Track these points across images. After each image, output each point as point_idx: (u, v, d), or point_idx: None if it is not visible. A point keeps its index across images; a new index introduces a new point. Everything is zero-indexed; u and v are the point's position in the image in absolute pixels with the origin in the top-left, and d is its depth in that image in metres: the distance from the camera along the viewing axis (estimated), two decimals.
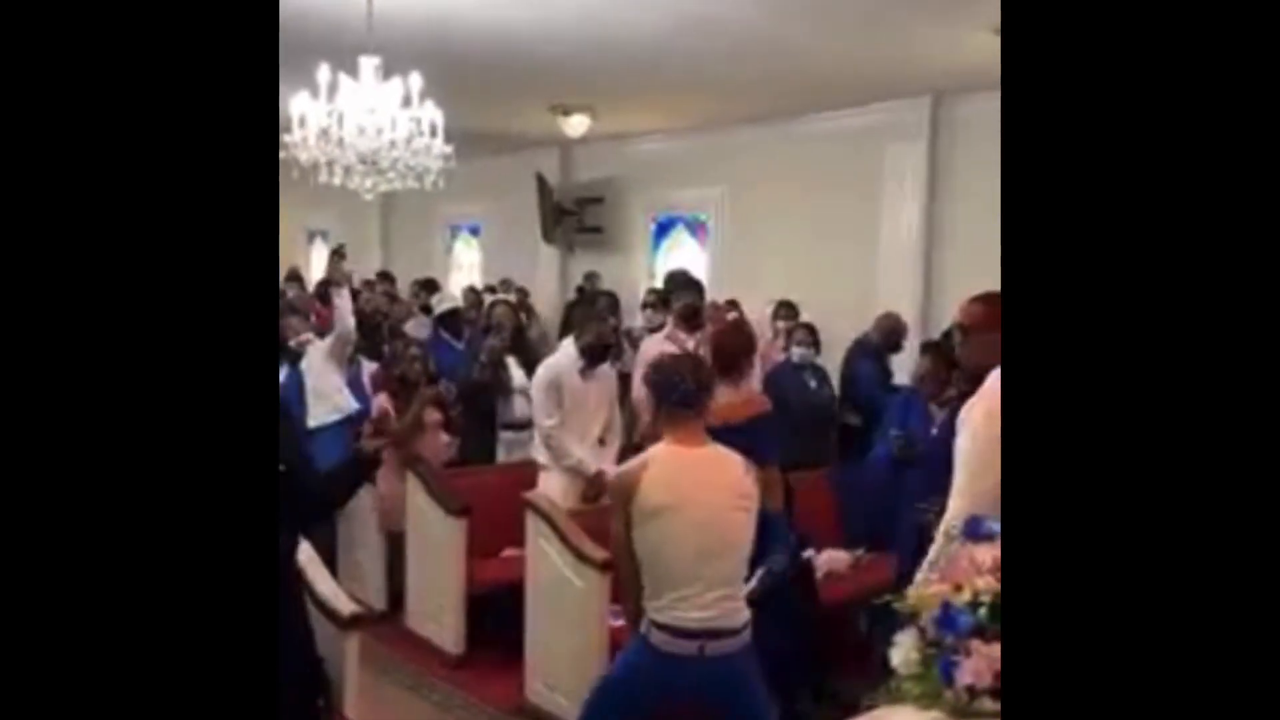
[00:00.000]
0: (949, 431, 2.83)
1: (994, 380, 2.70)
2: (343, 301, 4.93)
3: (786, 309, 6.59)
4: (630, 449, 4.75)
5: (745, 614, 2.66)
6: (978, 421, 2.61)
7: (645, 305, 6.43)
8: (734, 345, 3.67)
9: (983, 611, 1.53)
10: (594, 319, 4.73)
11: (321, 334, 5.24)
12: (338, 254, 4.86)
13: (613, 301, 6.92)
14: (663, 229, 9.73)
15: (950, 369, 4.20)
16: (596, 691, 2.82)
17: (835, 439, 5.64)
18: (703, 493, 2.62)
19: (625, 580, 2.76)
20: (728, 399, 3.41)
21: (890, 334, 6.00)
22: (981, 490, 2.58)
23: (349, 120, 4.56)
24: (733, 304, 6.73)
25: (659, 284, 7.30)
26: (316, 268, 11.92)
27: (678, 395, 2.67)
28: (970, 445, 2.61)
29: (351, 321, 5.02)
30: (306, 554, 2.84)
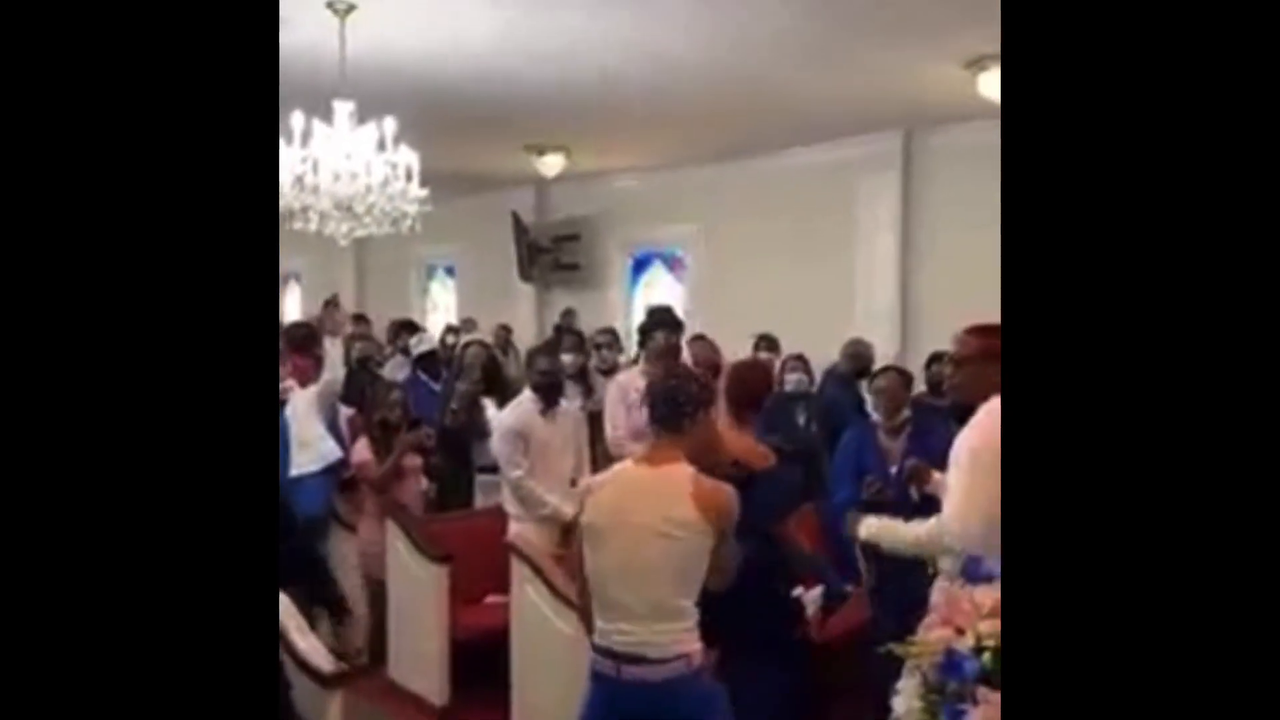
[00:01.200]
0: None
1: (985, 413, 2.72)
2: (334, 350, 4.87)
3: (767, 342, 6.58)
4: None
5: (680, 646, 2.46)
6: (972, 452, 2.64)
7: (598, 345, 6.38)
8: (752, 386, 3.56)
9: (987, 657, 1.50)
10: (540, 354, 4.69)
11: (302, 383, 5.16)
12: (331, 303, 4.81)
13: (577, 338, 6.87)
14: (640, 265, 9.75)
15: (907, 391, 4.22)
16: None
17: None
18: (635, 515, 2.47)
19: (581, 599, 2.70)
20: (736, 444, 3.32)
21: (856, 359, 5.97)
22: (972, 521, 2.61)
23: (324, 166, 4.53)
24: (700, 338, 6.70)
25: (637, 320, 7.28)
26: (290, 311, 11.83)
27: (664, 409, 2.55)
28: (965, 478, 2.63)
29: (341, 372, 4.96)
30: (285, 609, 2.76)
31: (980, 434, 2.72)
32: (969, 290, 6.75)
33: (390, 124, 4.63)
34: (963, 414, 2.92)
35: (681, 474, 2.49)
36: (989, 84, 5.37)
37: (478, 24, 4.85)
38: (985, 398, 2.77)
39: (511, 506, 4.39)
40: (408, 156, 4.70)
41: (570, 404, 4.76)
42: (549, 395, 4.39)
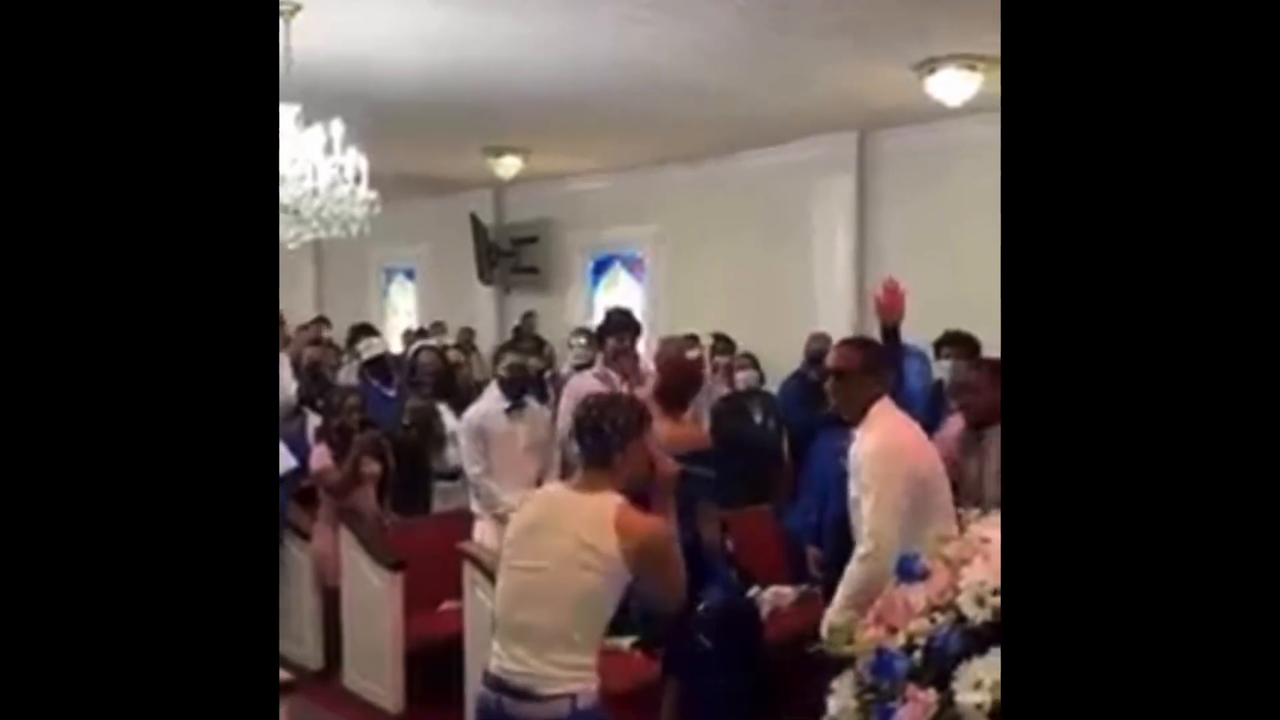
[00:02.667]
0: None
1: (874, 421, 2.84)
2: (284, 371, 4.82)
3: (723, 342, 6.60)
4: None
5: (569, 685, 2.23)
6: (871, 462, 2.75)
7: (570, 345, 6.41)
8: (681, 380, 3.64)
9: (917, 656, 1.51)
10: (507, 351, 4.70)
11: None
12: (303, 326, 4.77)
13: (537, 342, 6.85)
14: (600, 267, 9.74)
15: None
16: None
17: (787, 471, 5.54)
18: (548, 537, 2.29)
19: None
20: (667, 432, 3.37)
21: (815, 353, 6.00)
22: (894, 525, 2.69)
23: None
24: (693, 339, 6.71)
25: (598, 322, 7.27)
26: None
27: (589, 437, 2.38)
28: (875, 490, 2.73)
29: (292, 389, 4.94)
30: None
31: (875, 444, 2.80)
32: (924, 288, 6.85)
33: (337, 126, 4.58)
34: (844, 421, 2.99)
35: (607, 501, 2.28)
36: (937, 86, 5.44)
37: (429, 26, 4.81)
38: (866, 408, 2.87)
39: (474, 504, 4.39)
40: (356, 159, 4.66)
41: (537, 404, 4.75)
42: (514, 392, 4.39)
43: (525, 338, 7.76)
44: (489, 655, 2.35)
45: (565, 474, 4.69)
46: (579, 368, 5.93)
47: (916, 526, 2.65)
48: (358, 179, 4.67)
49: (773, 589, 4.22)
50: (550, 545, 2.28)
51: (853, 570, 2.79)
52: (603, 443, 2.34)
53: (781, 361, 6.49)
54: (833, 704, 1.59)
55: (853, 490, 2.89)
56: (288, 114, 4.48)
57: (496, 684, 2.27)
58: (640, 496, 2.41)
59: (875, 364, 3.01)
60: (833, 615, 2.78)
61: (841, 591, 2.79)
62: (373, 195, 4.73)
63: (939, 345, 4.71)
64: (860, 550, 2.78)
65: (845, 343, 3.19)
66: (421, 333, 8.88)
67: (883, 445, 2.82)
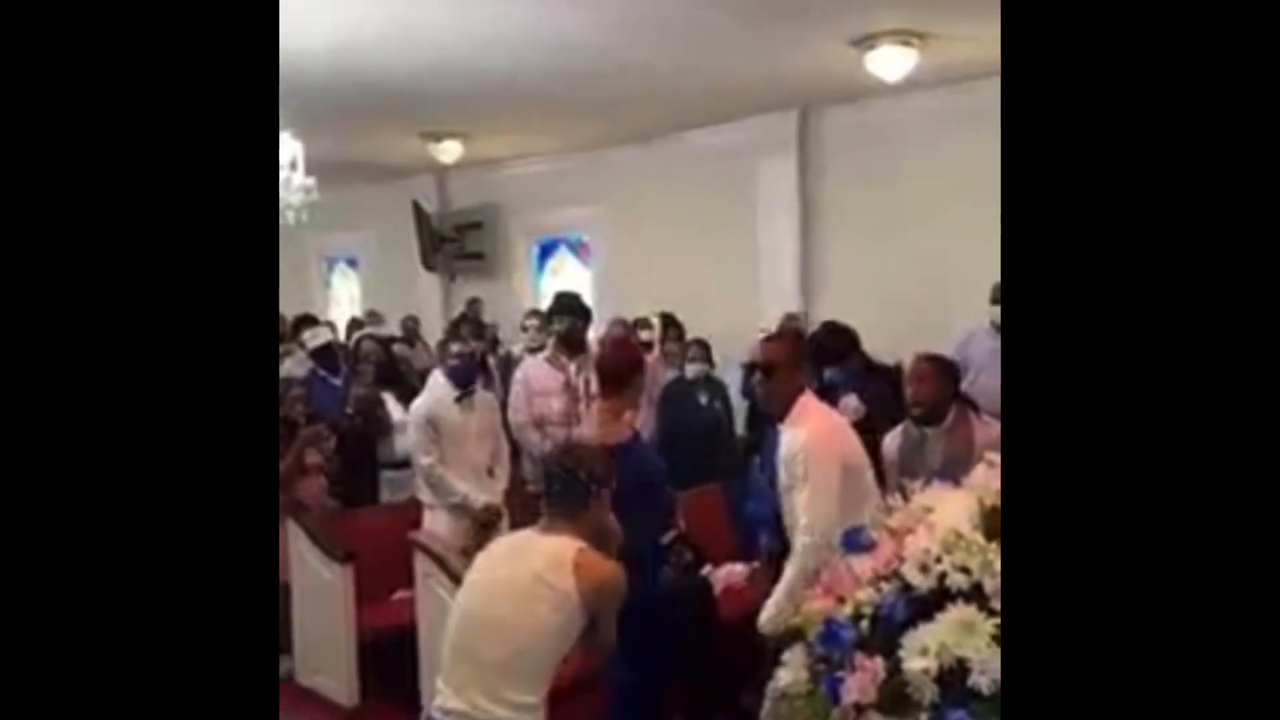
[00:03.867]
0: None
1: (804, 414, 2.90)
2: None
3: (672, 325, 6.60)
4: (520, 483, 4.66)
5: None
6: (807, 454, 2.80)
7: (524, 328, 6.38)
8: (619, 363, 3.61)
9: (864, 624, 1.53)
10: (454, 340, 4.65)
11: None
12: None
13: (477, 325, 6.79)
14: (545, 251, 9.68)
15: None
16: None
17: (738, 452, 5.58)
18: (505, 569, 2.28)
19: None
20: (596, 427, 3.36)
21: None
22: (831, 513, 2.74)
23: None
24: (645, 321, 6.70)
25: (545, 307, 7.24)
26: None
27: (559, 485, 2.38)
28: (812, 479, 2.79)
29: None
30: None
31: (809, 435, 2.86)
32: (870, 264, 6.95)
33: None
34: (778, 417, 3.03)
35: (569, 544, 2.28)
36: (877, 62, 5.47)
37: (365, 8, 4.72)
38: (793, 401, 2.92)
39: (424, 495, 4.34)
40: (291, 145, 4.56)
41: (485, 391, 4.71)
42: (463, 380, 4.35)
43: (464, 323, 7.69)
44: (433, 694, 2.28)
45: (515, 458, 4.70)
46: (532, 350, 5.90)
47: (847, 511, 2.71)
48: (294, 165, 4.58)
49: (725, 567, 4.25)
50: (507, 574, 2.27)
51: (795, 560, 2.83)
52: (573, 491, 2.35)
53: (726, 341, 6.51)
54: (783, 675, 1.61)
55: (784, 480, 2.92)
56: None
57: None
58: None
59: (800, 358, 3.05)
60: (773, 606, 2.81)
61: (786, 580, 2.83)
62: (310, 182, 4.65)
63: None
64: (802, 540, 2.82)
65: (771, 338, 3.22)
66: (359, 323, 8.76)
67: (815, 435, 2.88)
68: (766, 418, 3.49)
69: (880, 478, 3.15)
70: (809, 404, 2.98)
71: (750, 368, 4.40)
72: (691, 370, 5.61)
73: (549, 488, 2.40)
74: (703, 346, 5.82)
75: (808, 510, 2.80)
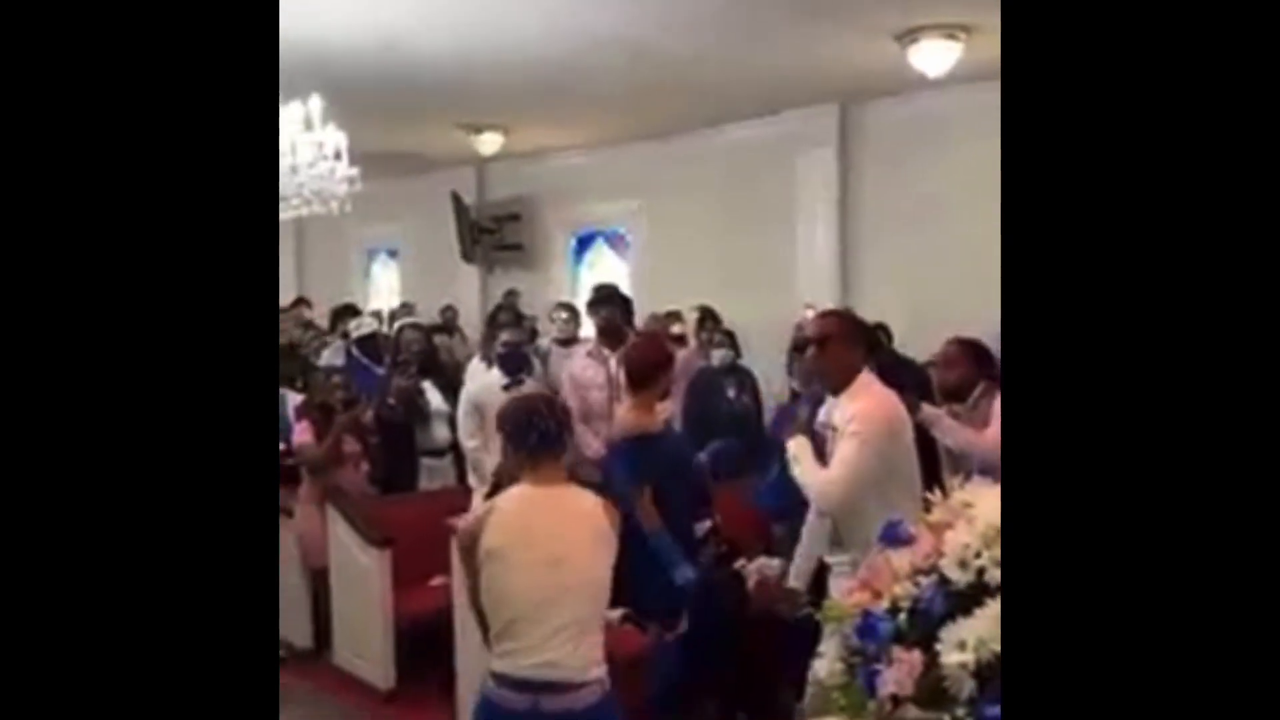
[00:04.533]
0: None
1: (865, 389, 2.88)
2: None
3: (709, 317, 6.60)
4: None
5: (596, 668, 2.36)
6: (854, 417, 2.80)
7: (551, 319, 6.42)
8: (646, 359, 3.62)
9: (902, 618, 1.53)
10: (497, 328, 4.71)
11: None
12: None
13: (515, 316, 6.85)
14: (583, 244, 9.71)
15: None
16: None
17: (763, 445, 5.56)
18: (552, 528, 2.39)
19: (484, 635, 2.52)
20: (622, 415, 3.40)
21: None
22: (847, 487, 2.77)
23: None
24: (677, 315, 6.71)
25: (582, 299, 7.27)
26: None
27: (536, 436, 2.45)
28: (850, 448, 2.78)
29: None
30: None
31: (860, 408, 2.84)
32: (907, 259, 6.90)
33: (316, 103, 4.54)
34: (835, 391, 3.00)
35: (579, 491, 2.50)
36: (919, 56, 5.43)
37: (411, 4, 4.77)
38: (849, 375, 2.90)
39: (471, 478, 4.42)
40: (335, 136, 4.62)
41: (536, 381, 4.76)
42: (512, 368, 4.41)
43: (501, 312, 7.75)
44: (498, 657, 2.37)
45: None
46: (562, 342, 5.93)
47: (879, 496, 2.71)
48: (337, 156, 4.64)
49: (759, 561, 4.25)
50: (556, 534, 2.39)
51: (818, 475, 2.85)
52: (554, 436, 2.47)
53: (762, 335, 6.50)
54: (819, 667, 1.61)
55: (830, 448, 2.91)
56: None
57: (523, 684, 2.30)
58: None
59: (855, 333, 3.03)
60: (799, 559, 2.98)
61: (811, 466, 2.87)
62: (353, 172, 4.70)
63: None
64: (822, 486, 2.84)
65: (825, 313, 3.23)
66: (392, 314, 8.85)
67: (867, 409, 2.84)
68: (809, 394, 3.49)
69: (933, 471, 3.11)
70: (872, 382, 2.95)
71: (800, 345, 4.42)
72: (717, 356, 5.57)
73: (524, 438, 2.46)
74: (728, 335, 5.81)
75: (842, 462, 2.78)
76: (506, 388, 4.38)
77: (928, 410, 3.37)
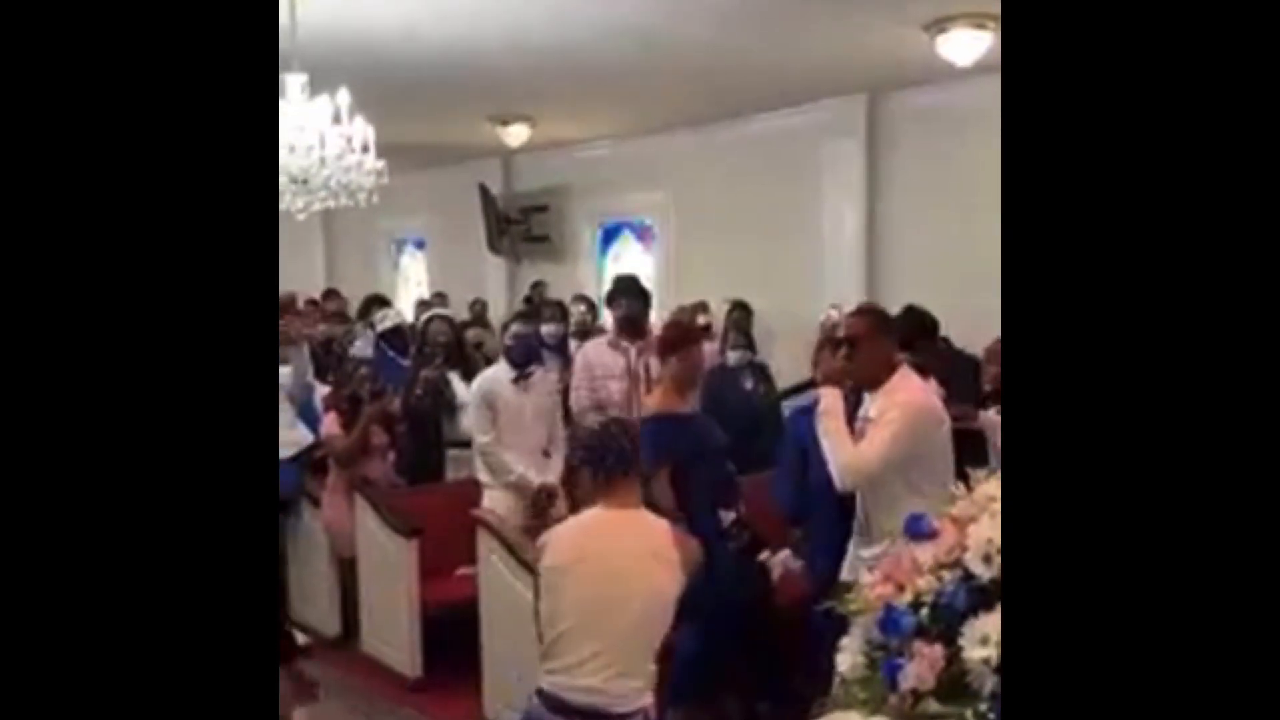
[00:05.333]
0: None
1: (905, 380, 2.89)
2: (300, 356, 4.86)
3: (740, 310, 6.59)
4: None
5: (640, 699, 2.34)
6: (891, 407, 2.82)
7: (569, 311, 6.43)
8: (678, 334, 3.76)
9: (924, 612, 1.52)
10: (514, 321, 4.72)
11: None
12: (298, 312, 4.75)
13: (560, 309, 6.86)
14: (609, 235, 9.71)
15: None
16: None
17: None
18: (611, 547, 2.38)
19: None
20: (651, 398, 3.56)
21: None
22: (878, 463, 2.79)
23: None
24: (703, 306, 6.70)
25: (606, 291, 7.27)
26: None
27: (613, 459, 2.45)
28: (892, 428, 2.80)
29: (310, 373, 4.99)
30: None
31: (897, 400, 2.87)
32: (935, 251, 6.83)
33: (344, 95, 4.56)
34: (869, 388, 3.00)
35: (651, 517, 2.49)
36: (949, 46, 5.37)
37: None
38: (884, 371, 2.90)
39: (482, 474, 4.42)
40: (363, 128, 4.65)
41: (547, 374, 4.76)
42: (520, 361, 4.41)
43: (543, 304, 7.76)
44: (545, 675, 2.36)
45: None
46: (579, 334, 5.94)
47: (906, 486, 2.73)
48: (365, 148, 4.67)
49: (783, 553, 4.24)
50: (621, 548, 2.38)
51: (846, 449, 2.86)
52: (626, 462, 2.47)
53: (788, 327, 6.48)
54: (841, 660, 1.61)
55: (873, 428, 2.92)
56: (295, 83, 4.47)
57: (565, 707, 2.29)
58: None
59: (886, 329, 3.03)
60: (828, 397, 2.93)
61: (839, 436, 2.88)
62: (380, 164, 4.73)
63: None
64: (856, 450, 2.86)
65: (856, 311, 3.23)
66: (426, 304, 8.89)
67: (901, 402, 2.86)
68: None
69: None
70: (908, 376, 2.96)
71: (825, 343, 4.40)
72: (733, 357, 5.56)
73: (601, 461, 2.45)
74: (742, 333, 5.79)
75: (871, 442, 2.81)
76: (516, 380, 4.39)
77: (984, 417, 3.40)
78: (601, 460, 2.45)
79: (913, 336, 4.66)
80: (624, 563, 2.35)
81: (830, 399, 2.93)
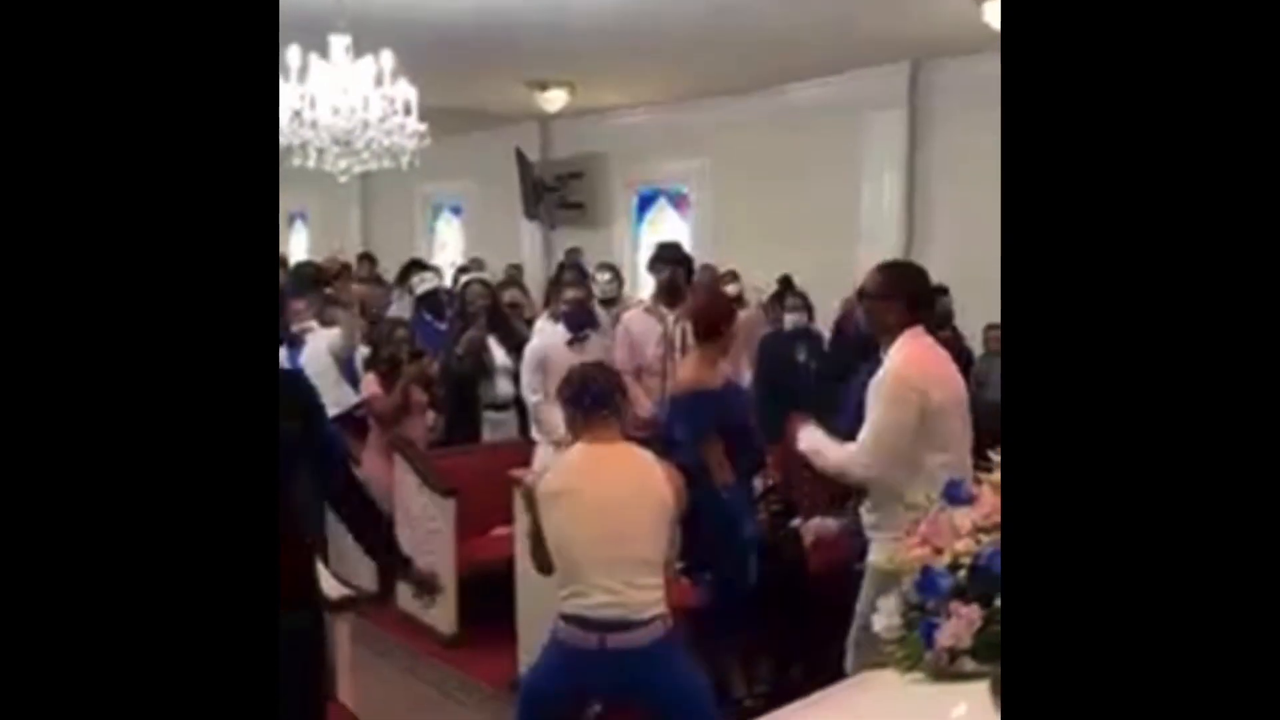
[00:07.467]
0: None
1: (894, 350, 2.83)
2: (349, 317, 4.95)
3: (787, 286, 6.56)
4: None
5: (655, 607, 2.52)
6: (878, 388, 2.79)
7: (594, 279, 6.40)
8: (711, 313, 3.67)
9: (961, 574, 1.55)
10: (563, 286, 4.77)
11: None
12: (335, 276, 4.81)
13: (579, 273, 6.87)
14: (645, 202, 9.70)
15: None
16: (519, 696, 2.76)
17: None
18: (605, 478, 2.59)
19: (546, 570, 2.69)
20: (683, 370, 3.54)
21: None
22: (877, 454, 2.77)
23: (321, 101, 4.50)
24: (733, 275, 6.69)
25: (643, 258, 7.26)
26: (296, 250, 11.84)
27: (590, 398, 2.65)
28: (873, 413, 2.79)
29: (359, 336, 5.07)
30: None
31: (888, 370, 2.82)
32: (975, 221, 6.75)
33: (388, 58, 4.59)
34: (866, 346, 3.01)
35: (634, 447, 2.68)
36: (994, 14, 5.28)
37: None
38: (886, 331, 2.85)
39: (534, 432, 4.50)
40: (406, 91, 4.68)
41: (600, 338, 4.81)
42: (575, 324, 4.48)
43: (567, 270, 7.77)
44: (565, 600, 2.55)
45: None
46: (604, 302, 5.95)
47: (921, 451, 2.70)
48: (408, 110, 4.70)
49: (816, 520, 4.27)
50: (617, 478, 2.58)
51: (843, 451, 2.86)
52: (611, 400, 2.68)
53: (824, 296, 6.45)
54: (878, 621, 1.64)
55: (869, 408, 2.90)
56: (339, 45, 4.50)
57: (588, 623, 2.48)
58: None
59: (897, 289, 2.92)
60: (809, 435, 3.01)
61: (833, 447, 2.90)
62: (422, 127, 4.76)
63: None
64: (850, 450, 2.84)
65: (875, 267, 3.14)
66: (464, 269, 8.94)
67: (893, 367, 2.79)
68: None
69: None
70: (917, 337, 2.86)
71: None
72: (790, 320, 5.57)
73: (579, 401, 2.66)
74: (801, 297, 5.78)
75: (865, 429, 2.78)
76: (571, 343, 4.44)
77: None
78: (579, 400, 2.66)
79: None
80: (618, 498, 2.55)
81: (806, 441, 2.98)
